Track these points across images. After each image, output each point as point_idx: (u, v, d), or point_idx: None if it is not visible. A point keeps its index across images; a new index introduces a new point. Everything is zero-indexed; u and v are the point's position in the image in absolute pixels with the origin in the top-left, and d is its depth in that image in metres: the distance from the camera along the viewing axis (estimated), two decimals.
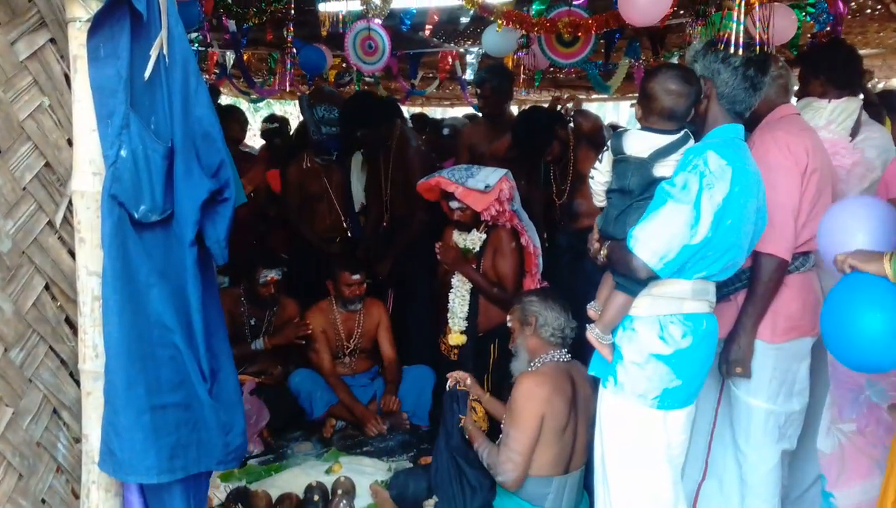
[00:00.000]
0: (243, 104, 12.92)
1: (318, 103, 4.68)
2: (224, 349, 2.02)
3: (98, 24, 1.75)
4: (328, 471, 3.38)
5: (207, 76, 7.89)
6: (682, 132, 2.30)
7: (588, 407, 2.89)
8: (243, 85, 9.04)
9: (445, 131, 5.79)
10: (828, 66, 3.06)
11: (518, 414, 2.77)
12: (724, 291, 2.53)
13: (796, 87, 3.20)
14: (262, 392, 3.81)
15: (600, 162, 2.43)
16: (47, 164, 1.89)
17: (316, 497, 3.09)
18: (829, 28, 4.57)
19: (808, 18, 4.68)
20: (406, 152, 4.48)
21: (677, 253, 2.15)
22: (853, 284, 1.83)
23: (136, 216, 1.82)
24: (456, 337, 3.69)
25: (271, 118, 6.52)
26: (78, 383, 1.93)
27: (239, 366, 3.79)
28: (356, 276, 4.01)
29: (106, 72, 1.78)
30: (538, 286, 3.60)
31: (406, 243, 4.45)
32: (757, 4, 3.24)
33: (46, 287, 1.90)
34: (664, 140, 2.27)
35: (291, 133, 6.47)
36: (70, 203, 1.88)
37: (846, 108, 2.93)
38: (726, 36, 2.32)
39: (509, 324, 3.07)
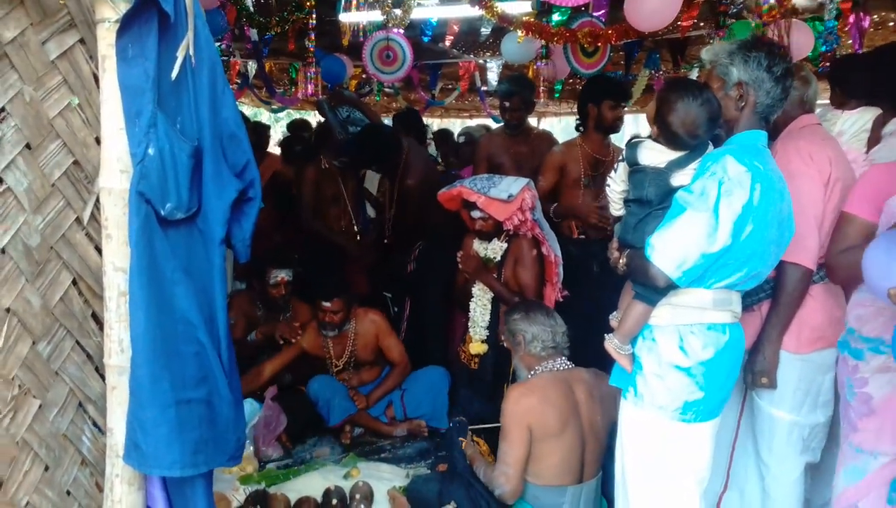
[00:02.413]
0: (264, 114, 13.05)
1: (338, 105, 4.73)
2: (231, 346, 2.03)
3: (126, 25, 1.78)
4: (346, 476, 3.39)
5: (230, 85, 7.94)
6: None
7: (595, 415, 2.88)
8: (265, 95, 9.12)
9: (461, 139, 5.82)
10: (842, 76, 3.04)
11: (505, 427, 2.80)
12: (747, 301, 2.50)
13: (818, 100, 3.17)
14: (281, 397, 3.82)
15: (615, 172, 2.41)
16: (76, 162, 1.92)
17: (334, 501, 3.10)
18: (854, 43, 4.55)
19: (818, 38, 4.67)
20: (409, 178, 4.58)
21: (695, 261, 2.11)
22: None
23: (162, 213, 1.84)
24: (477, 346, 3.69)
25: (294, 125, 6.55)
26: (103, 377, 1.95)
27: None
28: (327, 303, 3.86)
29: (134, 71, 1.81)
30: (559, 295, 3.60)
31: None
32: (777, 17, 3.25)
33: (74, 282, 1.93)
34: (680, 151, 2.25)
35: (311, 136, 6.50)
36: (97, 200, 1.90)
37: (859, 119, 2.90)
38: (769, 36, 2.24)
39: (505, 345, 3.09)
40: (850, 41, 4.58)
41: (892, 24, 5.62)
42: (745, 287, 2.29)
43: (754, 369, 2.58)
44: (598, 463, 2.90)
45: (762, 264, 2.23)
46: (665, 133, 2.23)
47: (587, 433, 2.85)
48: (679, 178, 2.22)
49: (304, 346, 4.03)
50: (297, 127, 6.80)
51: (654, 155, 2.26)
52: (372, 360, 4.17)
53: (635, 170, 2.31)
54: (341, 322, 3.93)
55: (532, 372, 2.94)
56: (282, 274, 4.08)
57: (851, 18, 4.40)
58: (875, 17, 5.31)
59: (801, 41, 4.17)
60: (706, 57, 2.33)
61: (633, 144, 2.33)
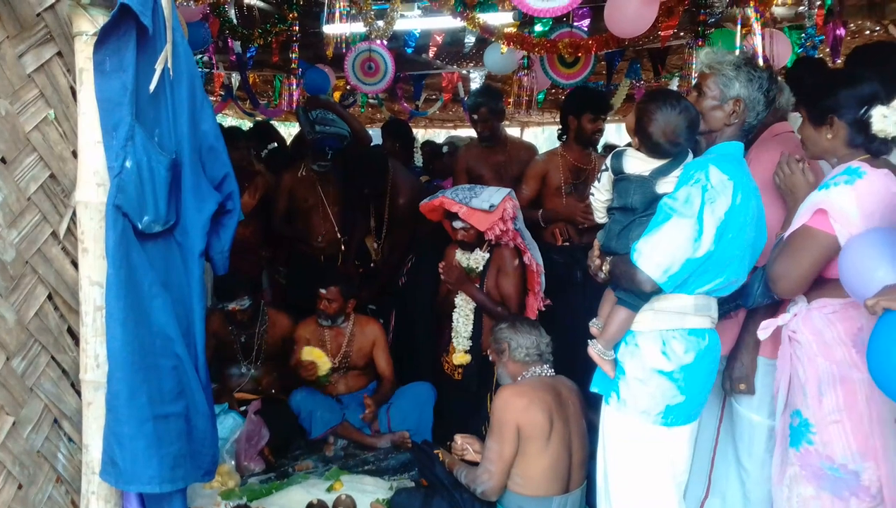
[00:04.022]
0: (248, 126, 12.97)
1: (313, 108, 4.74)
2: (204, 361, 2.03)
3: (104, 38, 1.78)
4: (329, 489, 3.36)
5: (213, 98, 7.94)
6: None
7: (581, 424, 2.89)
8: (248, 107, 9.10)
9: (444, 150, 5.83)
10: (797, 80, 3.06)
11: (494, 425, 2.81)
12: (725, 308, 2.52)
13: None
14: (263, 411, 3.79)
15: (599, 181, 2.44)
16: (52, 176, 1.91)
17: None
18: (829, 50, 4.61)
19: (797, 48, 4.72)
20: (400, 197, 4.60)
21: (681, 266, 2.15)
22: (891, 323, 1.76)
23: (139, 226, 1.83)
24: (460, 357, 3.69)
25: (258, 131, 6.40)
26: (79, 393, 1.93)
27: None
28: (323, 291, 3.95)
29: (112, 84, 1.81)
30: (541, 304, 3.60)
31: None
32: (759, 27, 3.28)
33: (49, 297, 1.92)
34: (663, 159, 2.28)
35: (288, 143, 6.40)
36: (74, 213, 1.89)
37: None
38: (759, 54, 2.26)
39: (490, 358, 3.11)
40: (828, 49, 4.65)
41: (868, 31, 5.68)
42: (724, 292, 2.33)
43: (733, 375, 2.59)
44: (583, 472, 2.91)
45: (740, 270, 2.27)
46: (646, 143, 2.27)
47: (574, 439, 2.86)
48: (664, 186, 2.26)
49: (305, 336, 4.07)
50: (264, 133, 6.55)
51: (639, 163, 2.30)
52: (362, 367, 4.17)
53: (620, 178, 2.34)
54: (336, 313, 3.99)
55: (519, 379, 2.96)
56: (232, 305, 4.04)
57: (829, 27, 4.46)
58: (852, 25, 5.37)
59: (781, 51, 4.23)
60: (706, 60, 2.34)
61: (617, 154, 2.37)
